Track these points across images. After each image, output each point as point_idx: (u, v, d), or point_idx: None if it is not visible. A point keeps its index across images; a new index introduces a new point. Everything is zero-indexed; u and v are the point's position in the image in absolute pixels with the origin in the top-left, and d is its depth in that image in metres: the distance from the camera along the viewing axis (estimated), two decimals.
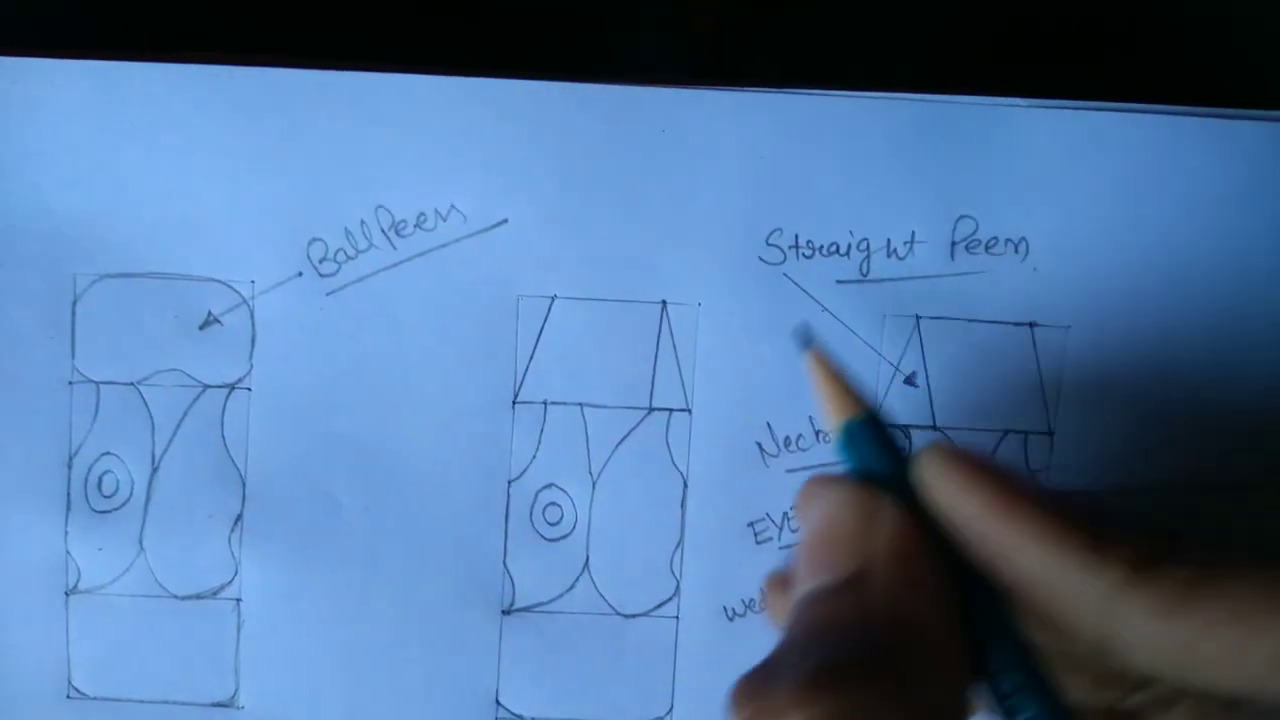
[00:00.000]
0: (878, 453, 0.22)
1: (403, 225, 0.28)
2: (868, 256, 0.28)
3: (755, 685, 0.19)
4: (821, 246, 0.28)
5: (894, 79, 0.28)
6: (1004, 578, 0.20)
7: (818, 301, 0.28)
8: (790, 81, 0.28)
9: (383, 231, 0.28)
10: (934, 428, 0.29)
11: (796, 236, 0.28)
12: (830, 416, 0.23)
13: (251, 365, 0.28)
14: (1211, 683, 0.19)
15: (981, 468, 0.20)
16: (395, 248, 0.28)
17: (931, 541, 0.21)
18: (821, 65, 0.28)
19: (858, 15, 0.29)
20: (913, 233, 0.28)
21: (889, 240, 0.28)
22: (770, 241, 0.28)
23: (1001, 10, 0.30)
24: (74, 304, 0.28)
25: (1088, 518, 0.20)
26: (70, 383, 0.28)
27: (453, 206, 0.28)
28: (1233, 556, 0.19)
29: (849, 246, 0.28)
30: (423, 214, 0.28)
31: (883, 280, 0.28)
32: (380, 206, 0.28)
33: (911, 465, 0.21)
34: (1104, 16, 0.30)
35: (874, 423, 0.23)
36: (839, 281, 0.28)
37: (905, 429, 0.29)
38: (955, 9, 0.30)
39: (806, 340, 0.24)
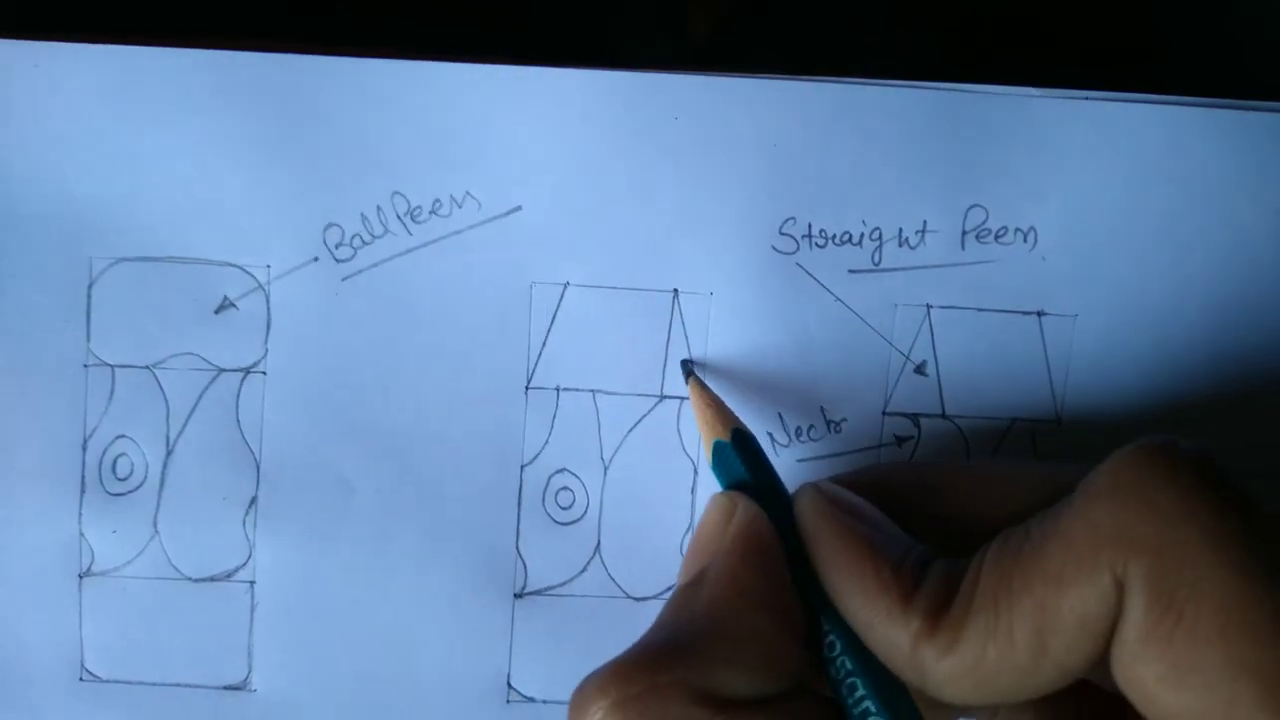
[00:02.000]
0: (742, 469, 0.24)
1: (418, 211, 0.28)
2: (880, 246, 0.28)
3: (583, 681, 0.21)
4: (834, 236, 0.28)
5: (906, 69, 0.28)
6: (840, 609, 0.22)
7: (830, 291, 0.28)
8: (799, 70, 0.28)
9: (398, 217, 0.28)
10: (943, 416, 0.29)
11: (810, 226, 0.28)
12: (704, 438, 0.26)
13: (267, 349, 0.28)
14: (1012, 701, 0.20)
15: (841, 515, 0.22)
16: (411, 234, 0.28)
17: (789, 544, 0.23)
18: (821, 62, 0.29)
19: (859, 13, 0.29)
20: (924, 222, 0.28)
21: (901, 229, 0.28)
22: (783, 231, 0.28)
23: (997, 9, 0.30)
24: (89, 287, 0.28)
25: (912, 568, 0.21)
26: (85, 366, 0.28)
27: (468, 193, 0.28)
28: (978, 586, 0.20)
29: (861, 236, 0.28)
30: (438, 200, 0.28)
31: (894, 269, 0.29)
32: (396, 193, 0.28)
33: (787, 491, 0.24)
34: (1114, 9, 0.30)
35: (741, 443, 0.25)
36: (851, 271, 0.28)
37: (915, 417, 0.29)
38: (956, 7, 0.30)
39: (688, 372, 0.28)
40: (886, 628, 0.21)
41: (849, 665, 0.21)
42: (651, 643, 0.21)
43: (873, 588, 0.21)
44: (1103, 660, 0.19)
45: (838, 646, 0.22)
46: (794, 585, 0.22)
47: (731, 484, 0.25)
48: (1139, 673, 0.18)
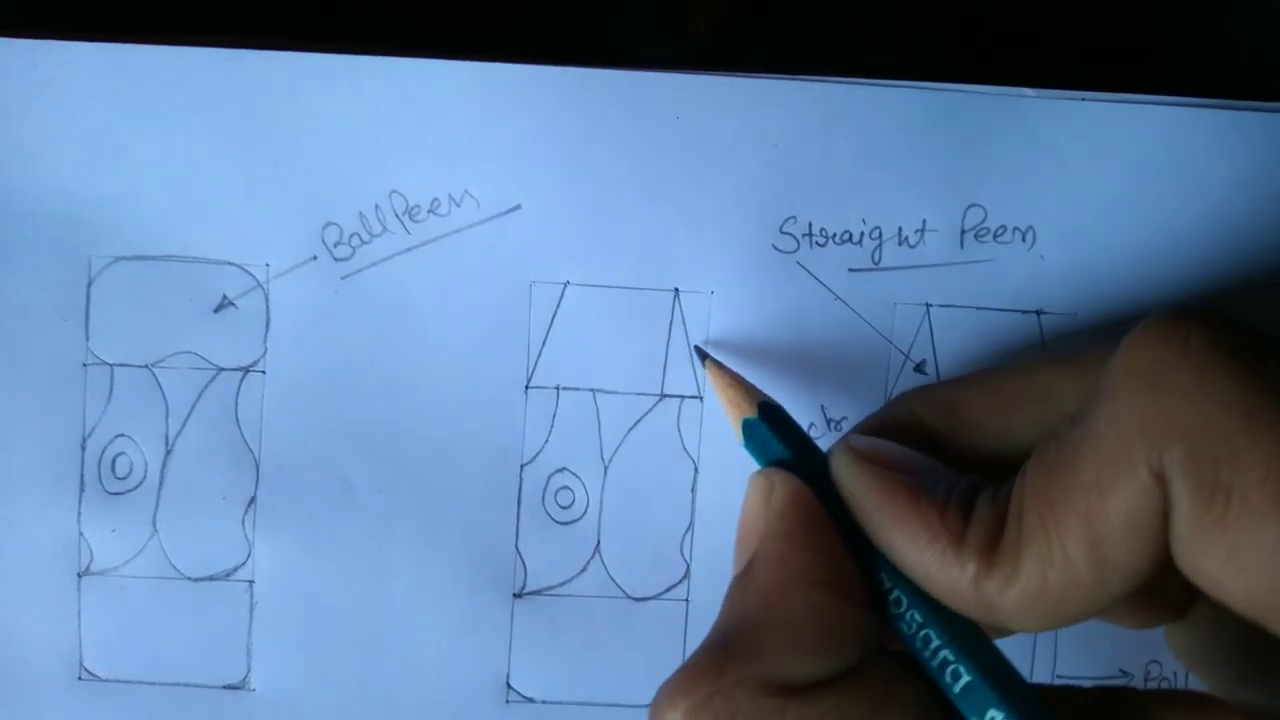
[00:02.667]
0: (776, 443, 0.24)
1: (417, 210, 0.28)
2: (880, 245, 0.28)
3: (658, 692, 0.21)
4: (834, 235, 0.28)
5: (906, 69, 0.28)
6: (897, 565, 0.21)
7: (830, 290, 0.29)
8: (798, 70, 0.28)
9: (397, 216, 0.28)
10: None
11: (810, 225, 0.28)
12: (731, 418, 0.26)
13: (266, 348, 0.28)
14: (1090, 616, 0.20)
15: (878, 471, 0.22)
16: (410, 232, 0.28)
17: (834, 510, 0.22)
18: (821, 62, 0.29)
19: (858, 13, 0.30)
20: (924, 221, 0.28)
21: (900, 228, 0.28)
22: (784, 230, 0.28)
23: (997, 9, 0.30)
24: (88, 286, 0.28)
25: (958, 506, 0.21)
26: (84, 365, 0.28)
27: (467, 192, 0.28)
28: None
29: (861, 235, 0.28)
30: (437, 199, 0.28)
31: (894, 268, 0.29)
32: (395, 191, 0.28)
33: (825, 453, 0.23)
34: (1113, 9, 0.30)
35: (770, 416, 0.24)
36: (851, 270, 0.29)
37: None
38: (956, 7, 0.30)
39: (703, 355, 0.27)
40: (945, 573, 0.20)
41: (918, 618, 0.21)
42: (713, 643, 0.21)
43: (923, 537, 0.20)
44: (1167, 554, 0.19)
45: (904, 602, 0.21)
46: (848, 550, 0.22)
47: (770, 461, 0.24)
48: (1201, 562, 0.18)
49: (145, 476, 0.28)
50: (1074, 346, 0.24)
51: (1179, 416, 0.18)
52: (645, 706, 0.29)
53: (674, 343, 0.29)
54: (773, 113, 0.28)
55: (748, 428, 0.25)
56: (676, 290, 0.29)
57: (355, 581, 0.29)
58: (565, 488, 0.29)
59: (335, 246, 0.28)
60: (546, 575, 0.29)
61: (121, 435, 0.28)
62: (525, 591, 0.29)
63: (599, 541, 0.29)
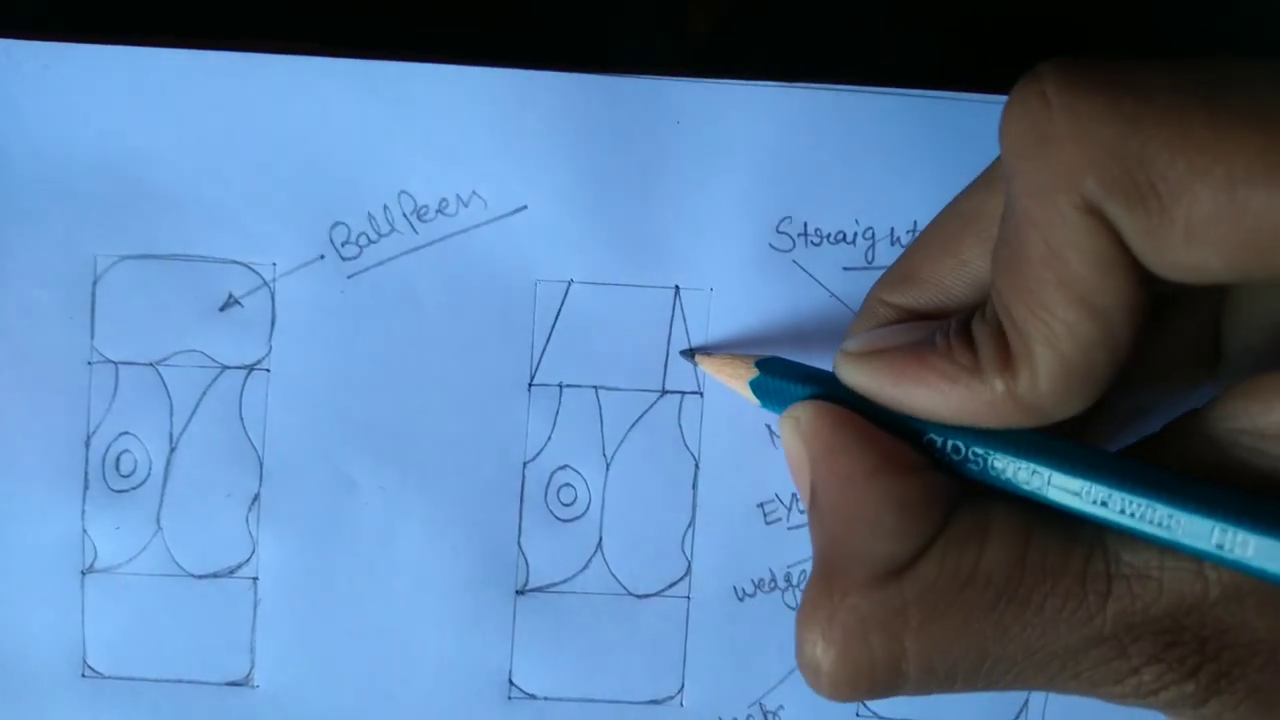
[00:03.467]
0: (788, 387, 0.25)
1: (425, 210, 0.29)
2: (873, 245, 0.29)
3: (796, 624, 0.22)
4: (829, 234, 0.29)
5: (905, 69, 0.29)
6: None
7: (825, 287, 0.29)
8: (796, 72, 0.29)
9: (405, 216, 0.29)
10: None
11: (805, 225, 0.29)
12: (740, 390, 0.26)
13: (271, 347, 0.29)
14: (1119, 368, 0.20)
15: (880, 355, 0.22)
16: (417, 232, 0.29)
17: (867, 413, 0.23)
18: (820, 62, 0.30)
19: (860, 13, 0.31)
20: (915, 223, 0.29)
21: (893, 229, 0.29)
22: (780, 229, 0.29)
23: (1001, 9, 0.31)
24: (94, 285, 0.28)
25: (961, 345, 0.21)
26: (89, 363, 0.28)
27: (474, 192, 0.29)
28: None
29: (855, 235, 0.29)
30: (444, 199, 0.29)
31: (887, 267, 0.29)
32: (403, 192, 0.28)
33: (835, 369, 0.24)
34: (1102, 16, 0.31)
35: (771, 368, 0.25)
36: (846, 268, 0.29)
37: None
38: (954, 7, 0.31)
39: (690, 355, 0.29)
40: (980, 402, 0.21)
41: (979, 451, 0.21)
42: (815, 571, 0.22)
43: (945, 385, 0.21)
44: (1144, 272, 0.19)
45: (960, 447, 0.22)
46: (890, 434, 0.22)
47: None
48: (1170, 258, 0.18)
49: (149, 474, 0.28)
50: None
51: (1076, 154, 0.18)
52: (647, 703, 0.30)
53: (675, 339, 0.29)
54: (769, 118, 0.29)
55: (757, 388, 0.26)
56: (677, 287, 0.29)
57: (358, 578, 0.29)
58: (567, 485, 0.29)
59: (343, 246, 0.29)
60: (549, 572, 0.29)
61: (126, 433, 0.28)
62: (528, 588, 0.29)
63: (601, 538, 0.30)
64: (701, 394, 0.29)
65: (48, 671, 0.28)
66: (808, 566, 0.30)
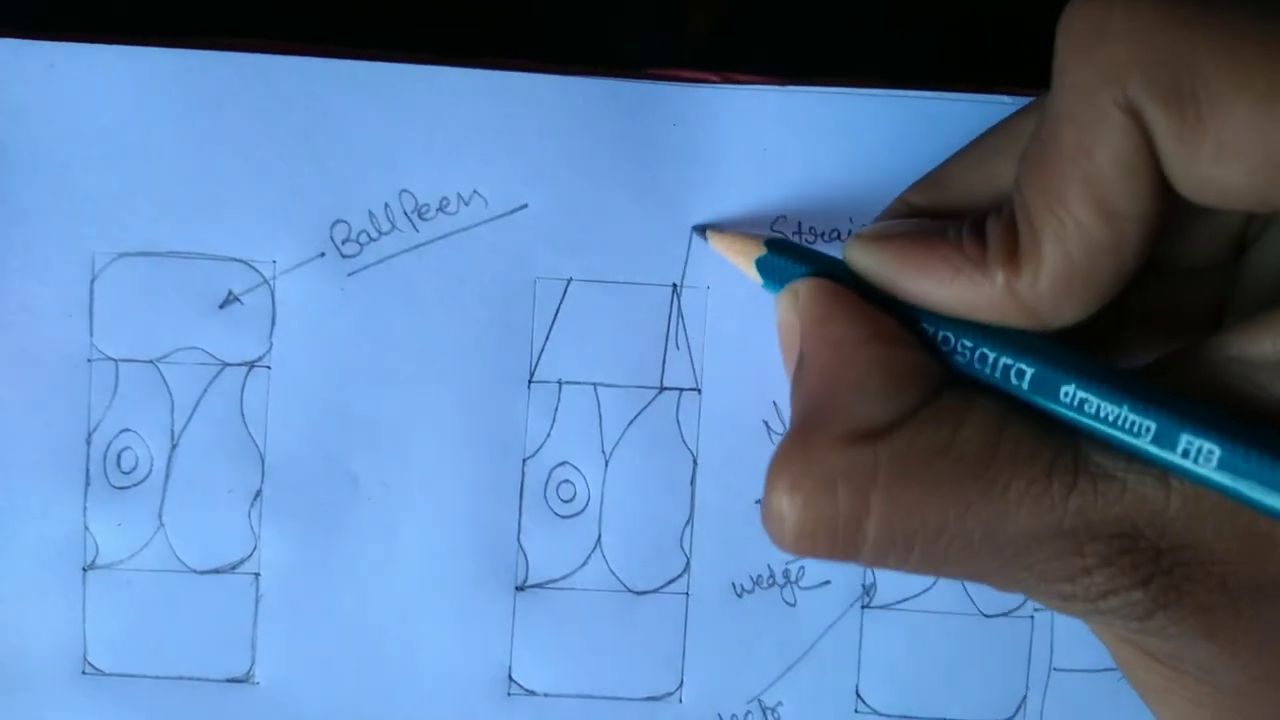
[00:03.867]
0: (792, 266, 0.25)
1: (425, 209, 0.29)
2: None
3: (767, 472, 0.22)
4: (823, 233, 0.30)
5: (904, 69, 0.30)
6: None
7: None
8: (796, 71, 0.29)
9: (405, 214, 0.29)
10: None
11: (800, 224, 0.30)
12: (746, 268, 0.27)
13: (271, 344, 0.29)
14: (1127, 278, 0.20)
15: (891, 240, 0.23)
16: (418, 230, 0.29)
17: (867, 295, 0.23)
18: (820, 61, 0.30)
19: (858, 12, 0.31)
20: None
21: None
22: (775, 228, 0.29)
23: (1001, 8, 0.32)
24: (92, 282, 0.28)
25: (972, 236, 0.22)
26: (89, 360, 0.28)
27: (475, 191, 0.29)
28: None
29: (849, 234, 0.30)
30: (445, 198, 0.29)
31: None
32: (404, 190, 0.29)
33: (844, 250, 0.24)
34: None
35: (778, 247, 0.26)
36: None
37: None
38: (951, 7, 0.31)
39: (701, 231, 0.29)
40: (978, 293, 0.21)
41: (968, 343, 0.22)
42: (793, 426, 0.22)
43: (947, 273, 0.21)
44: (1167, 189, 0.19)
45: (951, 338, 0.22)
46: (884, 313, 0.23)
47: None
48: (1195, 171, 0.18)
49: (151, 471, 0.28)
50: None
51: (1127, 52, 0.18)
52: (646, 700, 0.30)
53: (673, 337, 0.30)
54: (765, 119, 0.29)
55: (762, 266, 0.26)
56: (675, 286, 0.29)
57: (359, 574, 0.29)
58: (567, 481, 0.30)
59: (343, 244, 0.29)
60: (548, 568, 0.30)
61: (127, 430, 0.28)
62: (527, 585, 0.30)
63: (600, 535, 0.30)
64: (700, 391, 0.30)
65: (48, 668, 0.28)
66: (807, 564, 0.30)
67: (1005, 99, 0.30)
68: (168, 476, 0.29)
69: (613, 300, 0.29)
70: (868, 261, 0.23)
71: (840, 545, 0.21)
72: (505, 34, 0.30)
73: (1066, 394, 0.21)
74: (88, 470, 0.28)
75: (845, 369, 0.22)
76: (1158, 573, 0.20)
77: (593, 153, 0.29)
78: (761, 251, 0.26)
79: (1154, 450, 0.19)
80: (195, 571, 0.29)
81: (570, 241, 0.29)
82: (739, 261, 0.27)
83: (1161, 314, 0.24)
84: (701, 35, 0.30)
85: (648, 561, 0.30)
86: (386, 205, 0.29)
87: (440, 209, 0.29)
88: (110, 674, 0.28)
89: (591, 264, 0.29)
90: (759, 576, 0.30)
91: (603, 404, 0.30)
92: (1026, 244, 0.20)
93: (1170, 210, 0.19)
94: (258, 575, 0.29)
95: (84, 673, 0.28)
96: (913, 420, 0.21)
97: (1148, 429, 0.20)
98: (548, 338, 0.29)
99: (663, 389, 0.30)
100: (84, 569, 0.28)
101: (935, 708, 0.31)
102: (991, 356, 0.22)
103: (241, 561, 0.29)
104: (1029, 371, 0.21)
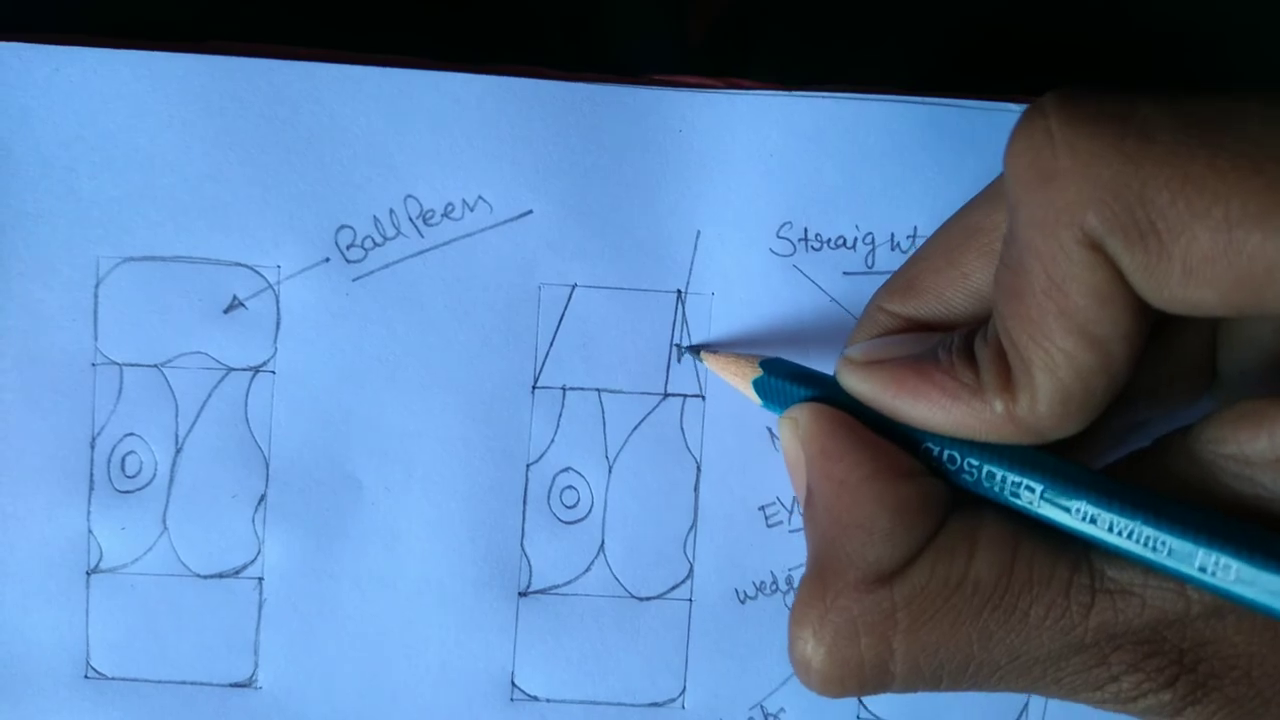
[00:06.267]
0: (789, 388, 0.25)
1: (430, 214, 0.29)
2: (873, 250, 0.30)
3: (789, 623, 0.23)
4: (829, 240, 0.30)
5: (902, 74, 0.30)
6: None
7: (825, 292, 0.30)
8: (797, 75, 0.29)
9: (410, 220, 0.29)
10: None
11: (805, 230, 0.30)
12: (742, 389, 0.27)
13: (276, 349, 0.29)
14: (1119, 388, 0.20)
15: (883, 366, 0.23)
16: (423, 236, 0.29)
17: (867, 419, 0.23)
18: (827, 65, 0.30)
19: (861, 18, 0.31)
20: (915, 228, 0.30)
21: (893, 234, 0.30)
22: (781, 234, 0.30)
23: (998, 15, 0.32)
24: (97, 286, 0.28)
25: (963, 360, 0.22)
26: (94, 364, 0.28)
27: (479, 197, 0.29)
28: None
29: (855, 240, 0.30)
30: (450, 204, 0.29)
31: (887, 272, 0.30)
32: (409, 196, 0.29)
33: (837, 375, 0.24)
34: (1098, 22, 0.32)
35: (774, 369, 0.26)
36: (846, 273, 0.30)
37: None
38: (953, 14, 0.31)
39: (695, 351, 0.29)
40: (979, 420, 0.21)
41: (974, 462, 0.22)
42: (809, 571, 0.22)
43: (945, 401, 0.21)
44: (1143, 305, 0.19)
45: (956, 457, 0.22)
46: (888, 441, 0.23)
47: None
48: (1167, 294, 0.19)
49: (155, 475, 0.28)
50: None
51: (1078, 191, 0.19)
52: (649, 706, 0.30)
53: (677, 342, 0.30)
54: (770, 125, 0.29)
55: (760, 388, 0.26)
56: (679, 292, 0.29)
57: (362, 579, 0.29)
58: (570, 487, 0.30)
59: (348, 249, 0.29)
60: (551, 574, 0.30)
61: (131, 434, 0.28)
62: (530, 590, 0.30)
63: (603, 541, 0.30)
64: (704, 397, 0.30)
65: (51, 672, 0.28)
66: None
67: (1012, 106, 0.30)
68: (172, 481, 0.29)
69: (617, 306, 0.29)
70: (863, 388, 0.23)
71: (869, 686, 0.22)
72: (505, 35, 0.30)
73: (1078, 510, 0.21)
74: (92, 474, 0.28)
75: (852, 510, 0.22)
76: (1183, 672, 0.20)
77: (597, 159, 0.29)
78: (757, 372, 0.26)
79: (1171, 565, 0.20)
80: (199, 576, 0.29)
81: (575, 247, 0.29)
82: (736, 383, 0.27)
83: (1146, 384, 0.24)
84: (701, 39, 0.30)
85: (651, 567, 0.30)
86: (391, 211, 0.29)
87: (445, 214, 0.29)
88: (113, 678, 0.28)
89: (596, 270, 0.29)
90: (762, 583, 0.30)
91: (606, 410, 0.30)
92: (1019, 372, 0.21)
93: (1152, 318, 0.20)
94: (261, 580, 0.29)
95: (87, 677, 0.28)
96: (925, 556, 0.21)
97: (1164, 544, 0.20)
98: (552, 343, 0.29)
99: (667, 395, 0.30)
100: (88, 573, 0.28)
101: (937, 714, 0.30)
102: (999, 474, 0.22)
103: (245, 566, 0.29)
104: (1038, 489, 0.21)
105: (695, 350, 0.29)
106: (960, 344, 0.22)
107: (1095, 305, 0.19)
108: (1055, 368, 0.20)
